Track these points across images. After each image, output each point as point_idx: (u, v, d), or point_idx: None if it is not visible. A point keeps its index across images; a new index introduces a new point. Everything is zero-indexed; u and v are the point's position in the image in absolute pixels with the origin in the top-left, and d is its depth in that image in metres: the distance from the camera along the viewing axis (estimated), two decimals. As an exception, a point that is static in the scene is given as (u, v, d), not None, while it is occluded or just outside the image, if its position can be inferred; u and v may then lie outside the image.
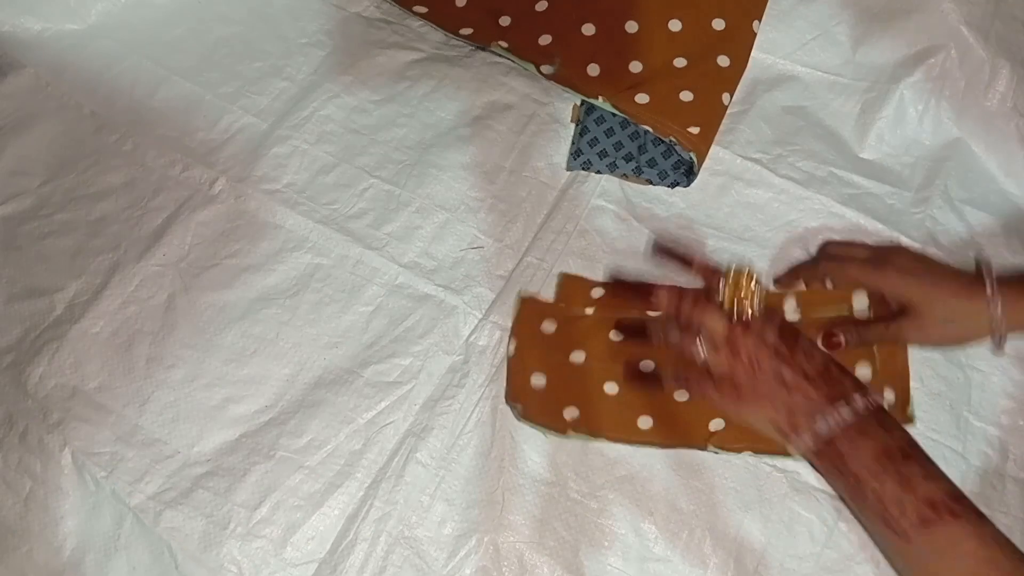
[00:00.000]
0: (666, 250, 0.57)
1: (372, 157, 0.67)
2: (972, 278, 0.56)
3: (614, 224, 0.65)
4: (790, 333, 0.50)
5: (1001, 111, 0.67)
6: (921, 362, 0.59)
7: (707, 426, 0.57)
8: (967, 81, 0.67)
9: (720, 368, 0.50)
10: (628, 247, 0.64)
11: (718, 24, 0.67)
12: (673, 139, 0.63)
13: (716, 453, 0.56)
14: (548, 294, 0.62)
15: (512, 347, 0.60)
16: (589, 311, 0.61)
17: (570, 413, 0.58)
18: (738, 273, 0.51)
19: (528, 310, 0.62)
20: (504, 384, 0.59)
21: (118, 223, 0.64)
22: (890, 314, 0.57)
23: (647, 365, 0.59)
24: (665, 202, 0.66)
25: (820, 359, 0.49)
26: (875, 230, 0.64)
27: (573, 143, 0.67)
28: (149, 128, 0.68)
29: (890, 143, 0.68)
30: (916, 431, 0.57)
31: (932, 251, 0.62)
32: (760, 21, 0.68)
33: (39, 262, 0.63)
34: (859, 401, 0.47)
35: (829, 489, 0.55)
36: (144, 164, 0.67)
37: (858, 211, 0.64)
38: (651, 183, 0.66)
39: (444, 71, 0.70)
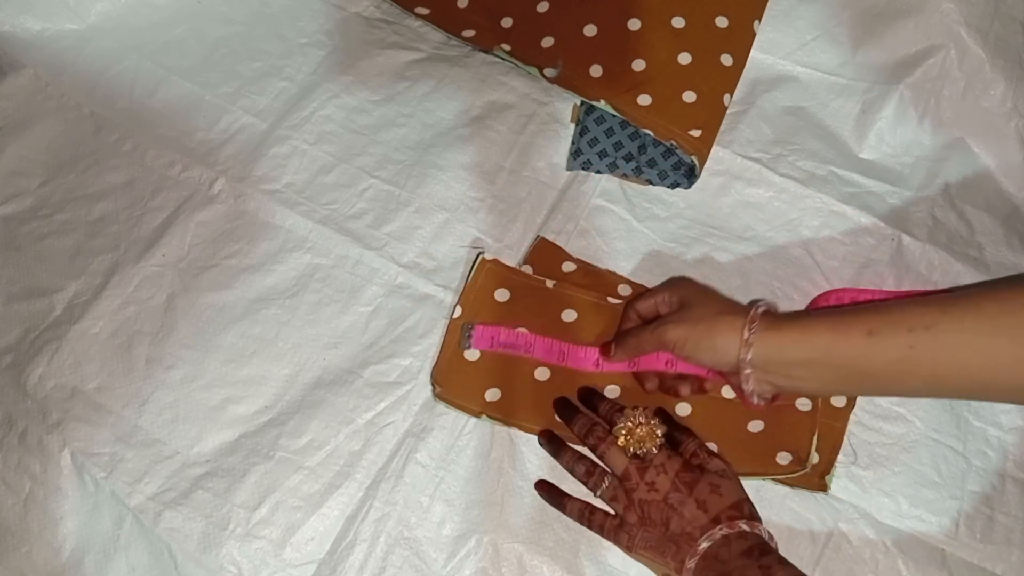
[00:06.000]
0: (567, 402, 0.58)
1: (372, 157, 0.67)
2: (744, 307, 0.53)
3: (614, 224, 0.65)
4: (685, 468, 0.52)
5: (1000, 111, 0.67)
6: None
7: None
8: (967, 81, 0.67)
9: (617, 509, 0.53)
10: (628, 247, 0.64)
11: (721, 22, 0.67)
12: (674, 143, 0.63)
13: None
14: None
15: (457, 312, 0.60)
16: (550, 284, 0.61)
17: (492, 395, 0.58)
18: (632, 412, 0.54)
19: (486, 275, 0.61)
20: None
21: (117, 223, 0.64)
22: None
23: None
24: (665, 202, 0.66)
25: (708, 487, 0.51)
26: (876, 228, 0.64)
27: (573, 143, 0.67)
28: (149, 128, 0.68)
29: (890, 143, 0.68)
30: (918, 431, 0.57)
31: (932, 251, 0.62)
32: (760, 21, 0.68)
33: (39, 262, 0.63)
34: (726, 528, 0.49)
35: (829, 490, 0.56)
36: (144, 164, 0.67)
37: (859, 209, 0.64)
38: (651, 183, 0.66)
39: (444, 71, 0.70)
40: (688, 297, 0.55)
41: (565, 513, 0.55)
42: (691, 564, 0.49)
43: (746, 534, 0.49)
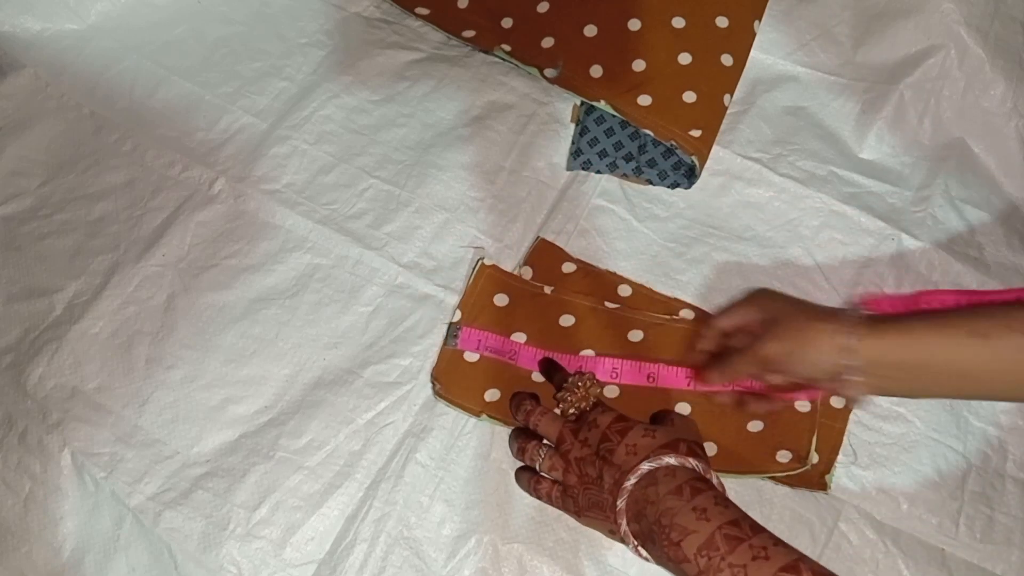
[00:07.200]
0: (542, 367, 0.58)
1: (372, 157, 0.67)
2: (832, 312, 0.53)
3: (614, 224, 0.65)
4: (619, 420, 0.51)
5: (1000, 111, 0.67)
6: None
7: None
8: (967, 81, 0.67)
9: (558, 476, 0.52)
10: (628, 247, 0.64)
11: (721, 22, 0.67)
12: (674, 143, 0.63)
13: None
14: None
15: (456, 316, 0.60)
16: (548, 290, 0.61)
17: (491, 395, 0.58)
18: (573, 379, 0.54)
19: (486, 280, 0.61)
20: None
21: (117, 223, 0.64)
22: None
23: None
24: (665, 202, 0.66)
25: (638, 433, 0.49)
26: (876, 228, 0.64)
27: (573, 143, 0.67)
28: (149, 128, 0.68)
29: (890, 143, 0.68)
30: (918, 431, 0.57)
31: (932, 251, 0.62)
32: (760, 21, 0.68)
33: (39, 262, 0.63)
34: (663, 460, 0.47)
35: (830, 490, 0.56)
36: (144, 164, 0.67)
37: (859, 209, 0.64)
38: (651, 183, 0.66)
39: (444, 71, 0.70)
40: (776, 311, 0.54)
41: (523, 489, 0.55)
42: (621, 504, 0.47)
43: (674, 469, 0.46)
